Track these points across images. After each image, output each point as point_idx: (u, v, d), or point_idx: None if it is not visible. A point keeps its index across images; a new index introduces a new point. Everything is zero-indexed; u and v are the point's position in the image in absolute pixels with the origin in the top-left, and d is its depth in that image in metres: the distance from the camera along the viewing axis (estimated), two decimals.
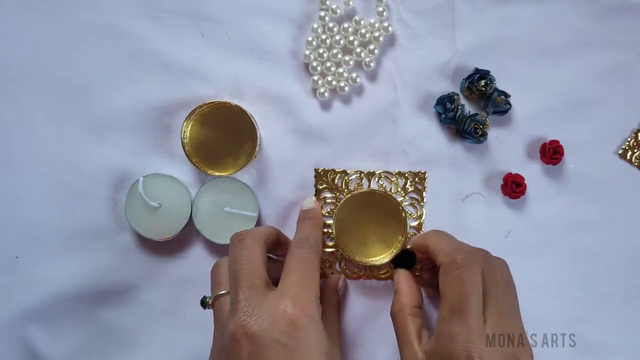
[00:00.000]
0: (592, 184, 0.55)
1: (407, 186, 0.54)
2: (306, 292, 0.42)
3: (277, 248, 0.49)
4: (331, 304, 0.51)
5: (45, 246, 0.54)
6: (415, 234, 0.54)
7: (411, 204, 0.54)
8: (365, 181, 0.54)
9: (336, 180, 0.54)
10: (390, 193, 0.53)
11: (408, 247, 0.53)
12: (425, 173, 0.54)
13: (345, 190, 0.54)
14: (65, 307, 0.54)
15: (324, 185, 0.54)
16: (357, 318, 0.55)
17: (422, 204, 0.54)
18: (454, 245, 0.47)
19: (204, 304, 0.47)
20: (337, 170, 0.54)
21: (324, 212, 0.54)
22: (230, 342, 0.40)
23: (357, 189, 0.54)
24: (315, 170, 0.54)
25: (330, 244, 0.54)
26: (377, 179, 0.54)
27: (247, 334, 0.39)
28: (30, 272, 0.54)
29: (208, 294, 0.53)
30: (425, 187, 0.54)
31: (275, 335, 0.39)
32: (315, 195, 0.54)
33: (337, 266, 0.55)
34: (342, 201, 0.52)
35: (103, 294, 0.54)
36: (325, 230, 0.54)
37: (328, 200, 0.54)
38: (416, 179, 0.54)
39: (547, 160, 0.53)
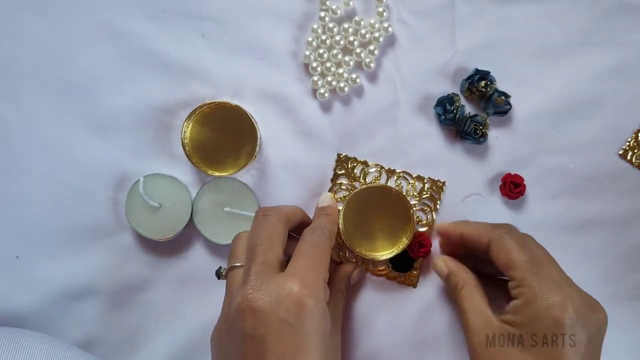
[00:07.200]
0: (592, 184, 0.55)
1: (423, 192, 0.54)
2: (314, 275, 0.43)
3: (299, 228, 0.49)
4: (339, 289, 0.52)
5: (45, 246, 0.54)
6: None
7: (422, 210, 0.54)
8: (383, 176, 0.54)
9: (355, 170, 0.54)
10: (406, 194, 0.53)
11: (437, 230, 0.54)
12: (444, 183, 0.54)
13: (362, 181, 0.54)
14: (65, 307, 0.54)
15: (342, 171, 0.54)
16: (352, 318, 0.55)
17: (434, 212, 0.54)
18: (489, 224, 0.49)
19: (218, 274, 0.47)
20: (359, 159, 0.54)
21: (337, 198, 0.54)
22: (236, 314, 0.40)
23: (374, 182, 0.54)
24: (338, 155, 0.54)
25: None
26: (395, 177, 0.54)
27: (252, 307, 0.40)
28: (30, 272, 0.54)
29: (208, 293, 0.53)
30: (441, 197, 0.54)
31: (280, 312, 0.39)
32: (332, 180, 0.54)
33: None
34: (356, 190, 0.52)
35: (103, 294, 0.54)
36: None
37: (343, 187, 0.54)
38: (434, 187, 0.54)
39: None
